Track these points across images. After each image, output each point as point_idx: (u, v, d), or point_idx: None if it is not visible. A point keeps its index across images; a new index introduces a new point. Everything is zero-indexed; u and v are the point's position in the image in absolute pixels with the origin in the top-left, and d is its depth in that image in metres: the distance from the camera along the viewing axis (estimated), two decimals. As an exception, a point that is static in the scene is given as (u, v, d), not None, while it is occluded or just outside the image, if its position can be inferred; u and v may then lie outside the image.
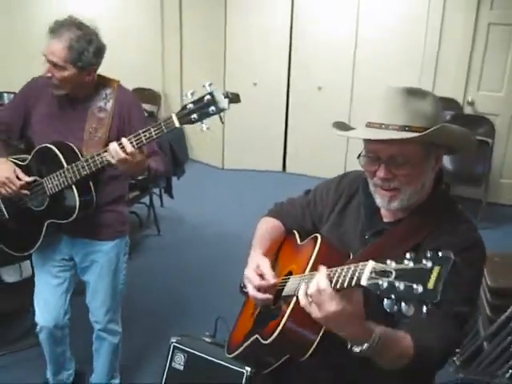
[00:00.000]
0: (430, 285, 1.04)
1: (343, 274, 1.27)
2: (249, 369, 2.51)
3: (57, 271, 2.64)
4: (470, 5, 5.57)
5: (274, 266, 1.82)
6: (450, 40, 5.72)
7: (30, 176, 2.38)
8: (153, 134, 2.10)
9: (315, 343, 1.49)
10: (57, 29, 2.26)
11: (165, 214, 5.45)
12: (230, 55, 6.41)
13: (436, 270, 1.05)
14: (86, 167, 2.24)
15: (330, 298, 1.26)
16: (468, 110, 5.86)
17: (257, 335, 1.64)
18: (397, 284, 1.08)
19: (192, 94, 2.02)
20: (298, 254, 1.76)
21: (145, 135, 2.11)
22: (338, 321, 1.29)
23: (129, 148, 2.12)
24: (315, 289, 1.28)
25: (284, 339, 1.53)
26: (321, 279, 1.28)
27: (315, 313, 1.31)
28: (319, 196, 1.86)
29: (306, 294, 1.33)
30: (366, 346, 1.30)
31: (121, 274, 2.75)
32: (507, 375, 2.76)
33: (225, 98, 2.00)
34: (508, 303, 2.74)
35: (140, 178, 2.37)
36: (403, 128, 1.45)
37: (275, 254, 1.89)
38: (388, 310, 1.10)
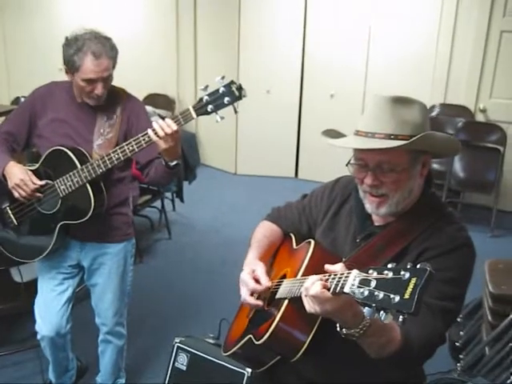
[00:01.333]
0: (406, 295, 1.08)
1: (332, 280, 1.31)
2: (249, 370, 2.54)
3: (62, 278, 2.67)
4: (483, 12, 5.57)
5: (270, 269, 1.88)
6: (462, 47, 5.73)
7: (40, 180, 2.41)
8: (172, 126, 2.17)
9: (305, 344, 1.55)
10: (97, 50, 2.29)
11: (176, 219, 5.52)
12: (244, 63, 6.48)
13: (412, 281, 1.10)
14: (102, 165, 2.29)
15: (326, 299, 1.31)
16: (480, 118, 5.85)
17: (250, 335, 1.69)
18: (376, 293, 1.14)
19: (206, 87, 2.14)
20: (292, 257, 1.81)
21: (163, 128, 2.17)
22: (332, 313, 1.34)
23: (174, 126, 2.15)
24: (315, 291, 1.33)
25: (275, 340, 1.59)
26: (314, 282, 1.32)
27: (313, 307, 1.35)
28: (314, 201, 1.91)
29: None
30: (354, 330, 1.35)
31: (128, 276, 2.80)
32: (508, 381, 2.76)
33: (237, 89, 2.12)
34: (510, 309, 2.75)
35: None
36: (389, 136, 1.50)
37: (272, 257, 1.94)
38: (368, 318, 1.15)
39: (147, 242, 5.03)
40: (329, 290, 1.29)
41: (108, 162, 2.29)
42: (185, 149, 4.91)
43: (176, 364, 2.78)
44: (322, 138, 1.67)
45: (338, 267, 1.34)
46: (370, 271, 1.19)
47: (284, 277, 1.74)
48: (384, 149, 1.47)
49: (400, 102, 1.53)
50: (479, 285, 3.09)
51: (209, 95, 2.14)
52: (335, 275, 1.30)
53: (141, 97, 6.56)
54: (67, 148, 2.37)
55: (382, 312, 1.13)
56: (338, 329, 1.37)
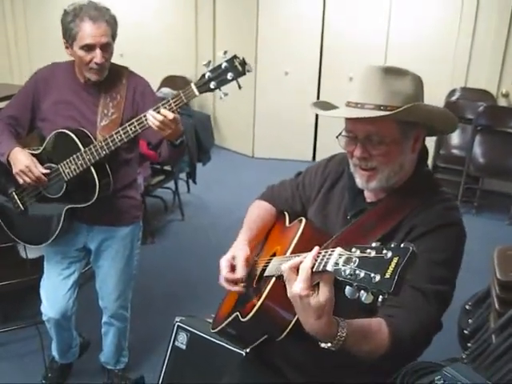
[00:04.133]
0: (387, 274, 1.05)
1: (319, 258, 1.27)
2: (247, 350, 2.53)
3: (68, 262, 2.66)
4: (507, -6, 5.41)
5: (262, 248, 1.85)
6: (484, 30, 5.60)
7: (43, 165, 2.39)
8: (172, 105, 2.13)
9: (291, 324, 1.52)
10: (94, 14, 2.26)
11: (190, 200, 5.52)
12: (262, 45, 6.43)
13: (394, 260, 1.06)
14: (105, 147, 2.27)
15: (302, 279, 1.24)
16: (502, 102, 5.72)
17: (237, 312, 1.66)
18: (357, 271, 1.10)
19: (208, 63, 2.09)
20: (283, 235, 1.78)
21: (164, 107, 2.13)
22: (302, 308, 1.27)
23: (170, 115, 2.12)
24: (296, 263, 1.28)
25: (261, 318, 1.56)
26: (308, 257, 1.26)
27: (287, 287, 1.30)
28: (308, 178, 1.87)
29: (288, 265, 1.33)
30: (330, 344, 1.30)
31: (134, 260, 2.78)
32: (514, 370, 2.69)
33: (240, 64, 2.06)
34: (517, 297, 2.68)
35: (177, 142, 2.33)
36: (378, 107, 1.45)
37: (265, 235, 1.91)
38: (349, 297, 1.12)
39: (160, 222, 5.04)
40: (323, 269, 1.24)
41: (111, 143, 2.26)
42: (199, 130, 4.90)
43: (176, 343, 2.77)
44: (311, 109, 1.62)
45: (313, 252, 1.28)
46: (353, 249, 1.16)
47: (274, 255, 1.72)
48: (371, 118, 1.42)
49: (392, 72, 1.48)
50: (488, 274, 3.01)
51: (211, 71, 2.09)
52: (319, 253, 1.26)
53: (159, 78, 6.66)
54: (70, 130, 2.34)
55: (362, 292, 1.09)
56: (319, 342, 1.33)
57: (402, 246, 1.08)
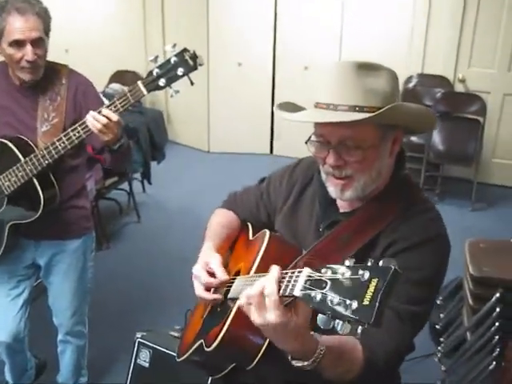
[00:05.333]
0: (366, 301, 0.88)
1: (285, 279, 1.11)
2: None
3: (17, 281, 2.47)
4: (461, -23, 5.35)
5: (226, 264, 1.68)
6: (439, 14, 5.50)
7: None
8: (119, 106, 1.98)
9: (261, 351, 1.35)
10: (21, 6, 2.05)
11: (146, 201, 5.30)
12: (214, 35, 6.20)
13: (373, 283, 0.89)
14: (48, 156, 2.09)
15: (274, 306, 1.09)
16: (459, 88, 5.66)
17: (201, 340, 1.49)
18: (330, 297, 0.94)
19: (155, 58, 1.93)
20: (247, 251, 1.61)
21: (110, 109, 1.98)
22: (277, 333, 1.13)
23: (114, 117, 1.98)
24: (259, 290, 1.11)
25: (227, 347, 1.39)
26: (269, 282, 1.11)
27: (254, 317, 1.14)
28: (273, 185, 1.70)
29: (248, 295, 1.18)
30: (306, 363, 1.16)
31: (88, 273, 2.60)
32: (491, 367, 2.62)
33: (191, 58, 1.91)
34: (491, 293, 2.59)
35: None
36: (353, 108, 1.29)
37: (229, 249, 1.75)
38: (322, 327, 0.95)
39: (115, 226, 4.81)
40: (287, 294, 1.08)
41: (54, 151, 2.08)
42: (151, 128, 4.70)
43: (138, 361, 2.59)
44: (277, 113, 1.45)
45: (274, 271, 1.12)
46: (323, 270, 0.99)
47: (238, 273, 1.55)
48: (348, 122, 1.25)
49: (365, 68, 1.31)
50: (460, 264, 2.93)
51: (159, 67, 1.93)
52: (286, 274, 1.10)
53: (108, 74, 6.38)
54: (8, 139, 2.14)
55: (337, 321, 0.93)
56: (290, 359, 1.18)
57: (380, 264, 0.91)
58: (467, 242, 2.91)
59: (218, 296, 1.53)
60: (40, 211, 2.16)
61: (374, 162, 1.35)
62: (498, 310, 2.57)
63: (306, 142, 1.41)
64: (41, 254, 2.45)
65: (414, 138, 5.44)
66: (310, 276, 1.02)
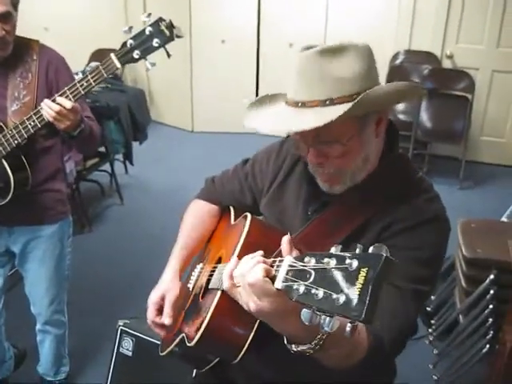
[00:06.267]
0: (354, 294, 0.77)
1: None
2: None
3: None
4: (448, -49, 5.22)
5: (208, 252, 1.59)
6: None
7: None
8: (91, 81, 1.88)
9: (246, 345, 1.26)
10: None
11: (129, 182, 5.16)
12: (196, 12, 6.03)
13: (362, 273, 0.78)
14: (17, 135, 1.99)
15: (263, 293, 1.00)
16: (447, 64, 5.55)
17: (183, 334, 1.39)
18: (314, 290, 0.83)
19: (130, 29, 1.84)
20: (228, 236, 1.51)
21: (82, 84, 1.89)
22: (273, 317, 1.05)
23: (67, 104, 1.89)
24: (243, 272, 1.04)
25: (209, 341, 1.29)
26: (257, 270, 1.02)
27: (243, 300, 1.06)
28: (258, 166, 1.58)
29: (231, 276, 1.10)
30: (307, 347, 1.05)
31: (66, 260, 2.49)
32: (484, 350, 2.56)
33: (167, 28, 1.81)
34: (485, 274, 2.52)
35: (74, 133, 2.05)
36: (323, 103, 1.17)
37: (208, 239, 1.65)
38: (307, 323, 0.84)
39: (97, 208, 4.69)
40: (272, 279, 0.99)
41: (23, 131, 1.98)
42: (133, 107, 4.55)
43: (121, 349, 2.49)
44: (245, 119, 1.35)
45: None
46: (307, 258, 0.89)
47: (220, 260, 1.45)
48: (315, 127, 1.12)
49: (329, 53, 1.17)
50: (451, 244, 2.85)
51: (133, 38, 1.84)
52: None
53: (88, 53, 6.20)
54: None
55: (323, 317, 0.82)
56: (286, 343, 1.07)
57: (370, 250, 0.80)
58: (459, 222, 2.83)
59: (162, 333, 1.54)
60: (10, 195, 2.07)
61: (358, 152, 1.25)
62: (491, 292, 2.50)
63: (282, 140, 1.32)
64: (14, 241, 2.33)
65: (401, 116, 5.36)
66: (292, 266, 0.92)
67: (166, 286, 1.53)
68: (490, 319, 2.51)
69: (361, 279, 0.77)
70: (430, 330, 3.12)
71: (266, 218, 1.53)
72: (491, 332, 2.52)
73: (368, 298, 0.75)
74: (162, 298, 1.51)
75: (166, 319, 1.47)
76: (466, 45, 5.46)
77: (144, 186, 5.16)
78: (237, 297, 1.10)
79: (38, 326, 2.58)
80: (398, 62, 5.56)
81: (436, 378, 2.80)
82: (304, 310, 0.84)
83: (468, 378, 2.70)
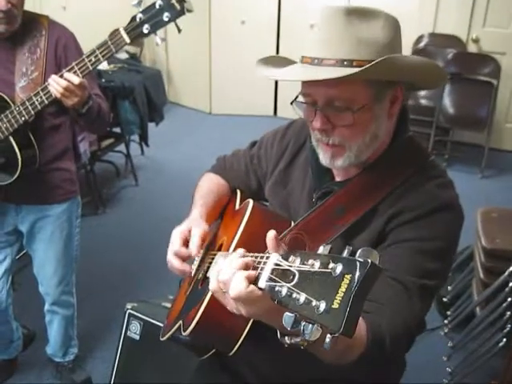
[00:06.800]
0: (336, 303, 0.71)
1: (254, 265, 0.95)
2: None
3: None
4: None
5: (214, 235, 1.52)
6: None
7: None
8: (99, 56, 1.84)
9: (241, 337, 1.20)
10: None
11: (145, 164, 5.13)
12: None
13: (345, 280, 0.71)
14: (24, 112, 1.95)
15: (251, 300, 0.95)
16: (472, 48, 5.41)
17: (181, 321, 1.34)
18: (295, 294, 0.76)
19: (139, 3, 1.78)
20: (231, 222, 1.44)
21: (90, 60, 1.86)
22: (259, 316, 1.00)
23: (75, 80, 1.85)
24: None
25: (203, 332, 1.24)
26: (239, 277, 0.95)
27: (231, 306, 1.01)
28: (264, 149, 1.53)
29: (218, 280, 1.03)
30: (300, 339, 1.00)
31: (74, 240, 2.46)
32: (500, 344, 2.48)
33: (178, 2, 1.75)
34: (505, 266, 2.43)
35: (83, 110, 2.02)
36: (341, 62, 1.10)
37: (219, 217, 1.58)
38: (287, 327, 0.78)
39: (111, 190, 4.66)
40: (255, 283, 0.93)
41: (30, 107, 1.94)
42: (149, 87, 4.49)
43: (128, 333, 2.46)
44: (257, 69, 1.27)
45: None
46: (291, 258, 0.83)
47: (221, 247, 1.39)
48: (329, 79, 1.06)
49: (357, 14, 1.11)
50: (470, 233, 2.76)
51: (143, 12, 1.78)
52: (256, 257, 0.94)
53: (107, 32, 6.13)
54: None
55: (305, 323, 0.75)
56: (279, 336, 1.02)
57: (358, 255, 0.74)
58: (479, 211, 2.74)
59: (186, 267, 1.34)
60: (18, 172, 2.03)
61: (368, 126, 1.17)
62: (511, 284, 2.41)
63: (291, 103, 1.23)
64: (22, 220, 2.31)
65: (423, 101, 5.24)
66: (277, 264, 0.85)
67: (193, 222, 1.40)
68: (508, 312, 2.42)
69: (343, 287, 0.71)
70: (445, 322, 3.05)
71: (270, 204, 1.47)
72: (509, 325, 2.43)
73: (348, 309, 0.69)
74: (189, 232, 1.37)
75: (193, 249, 1.33)
76: (492, 28, 5.31)
77: (160, 167, 5.12)
78: (224, 302, 1.05)
79: (47, 307, 2.56)
80: (421, 45, 5.43)
81: (450, 370, 2.73)
82: (286, 314, 0.78)
83: (483, 372, 2.62)
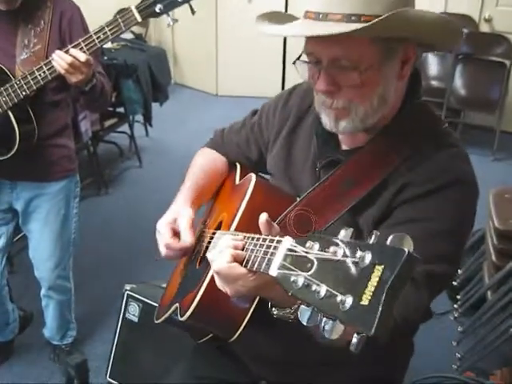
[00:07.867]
0: (365, 299, 0.60)
1: (257, 249, 0.87)
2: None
3: None
4: None
5: (210, 212, 1.44)
6: None
7: None
8: (108, 33, 1.79)
9: (244, 322, 1.13)
10: None
11: (149, 145, 5.05)
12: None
13: (377, 272, 0.61)
14: (25, 86, 1.89)
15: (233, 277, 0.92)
16: (484, 28, 5.27)
17: (177, 304, 1.26)
18: (315, 286, 0.66)
19: None
20: (231, 198, 1.37)
21: (98, 37, 1.81)
22: (251, 293, 0.97)
23: (81, 56, 1.80)
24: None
25: (202, 317, 1.17)
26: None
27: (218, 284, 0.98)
28: (265, 116, 1.43)
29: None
30: (288, 310, 0.96)
31: (72, 222, 2.39)
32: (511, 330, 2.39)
33: None
34: (517, 248, 2.34)
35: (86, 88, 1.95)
36: (348, 17, 1.00)
37: (215, 195, 1.49)
38: (304, 323, 0.69)
39: (114, 170, 4.58)
40: (244, 264, 0.87)
41: (32, 82, 1.88)
42: (153, 66, 4.40)
43: (127, 315, 2.40)
44: (257, 25, 1.16)
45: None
46: (308, 243, 0.72)
47: (220, 225, 1.30)
48: (335, 35, 0.97)
49: None
50: (481, 216, 2.66)
51: None
52: (264, 240, 0.85)
53: (112, 12, 6.05)
54: None
55: (325, 319, 0.65)
56: (269, 307, 0.95)
57: (389, 242, 0.63)
58: (491, 192, 2.64)
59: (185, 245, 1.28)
60: (16, 147, 1.98)
61: (376, 87, 1.07)
62: (524, 267, 2.32)
63: (293, 63, 1.14)
64: (17, 197, 2.24)
65: (433, 82, 5.12)
66: (291, 250, 0.76)
67: (178, 210, 1.34)
68: (521, 296, 2.34)
69: (374, 280, 0.60)
70: (455, 306, 2.97)
71: (272, 176, 1.38)
72: (521, 310, 2.35)
73: (381, 306, 0.59)
74: (174, 221, 1.32)
75: (187, 240, 1.26)
76: (506, 8, 5.16)
77: (164, 149, 5.03)
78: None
79: (43, 291, 2.50)
80: (432, 24, 5.29)
81: (459, 355, 2.65)
82: (302, 307, 0.69)
83: (493, 358, 2.54)
